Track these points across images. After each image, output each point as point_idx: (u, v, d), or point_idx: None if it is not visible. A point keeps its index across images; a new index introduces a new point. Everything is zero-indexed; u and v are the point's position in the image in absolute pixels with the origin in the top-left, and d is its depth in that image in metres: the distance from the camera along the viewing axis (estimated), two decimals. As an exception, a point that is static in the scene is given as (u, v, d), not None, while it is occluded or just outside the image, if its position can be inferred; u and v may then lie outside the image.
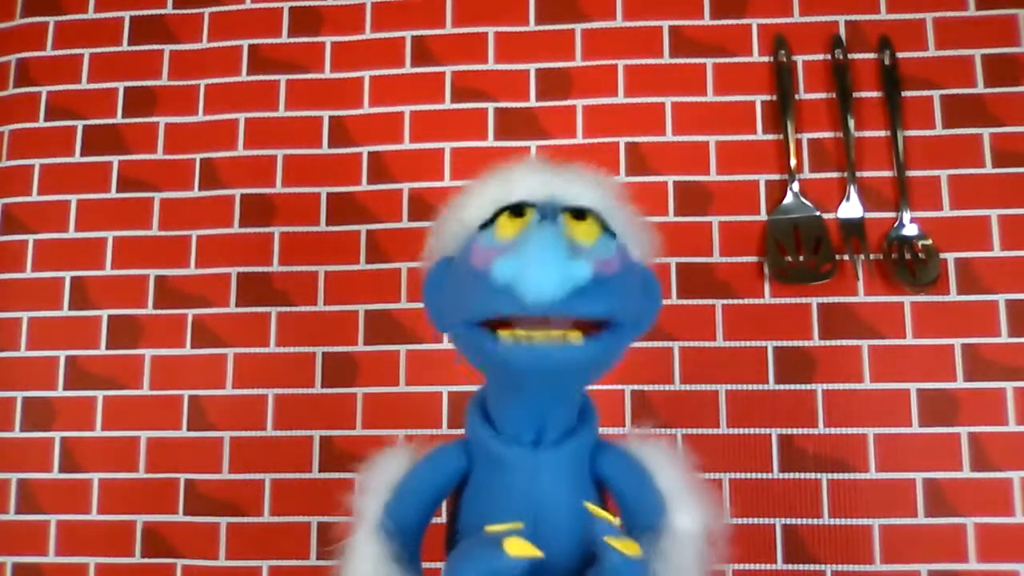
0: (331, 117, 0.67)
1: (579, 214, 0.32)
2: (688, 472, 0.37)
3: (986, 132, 0.62)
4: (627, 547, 0.31)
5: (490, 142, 0.65)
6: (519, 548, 0.31)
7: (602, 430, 0.59)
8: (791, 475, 0.58)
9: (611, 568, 0.31)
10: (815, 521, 0.58)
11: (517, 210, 0.32)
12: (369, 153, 0.66)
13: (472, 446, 0.36)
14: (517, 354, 0.31)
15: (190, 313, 0.64)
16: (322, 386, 0.62)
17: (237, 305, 0.64)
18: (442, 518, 0.38)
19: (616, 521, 0.33)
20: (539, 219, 0.31)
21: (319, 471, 0.61)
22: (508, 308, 0.30)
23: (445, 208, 0.36)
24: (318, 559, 0.60)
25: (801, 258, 0.61)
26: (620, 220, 0.35)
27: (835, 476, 0.58)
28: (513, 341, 0.30)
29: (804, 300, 0.61)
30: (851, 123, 0.62)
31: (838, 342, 0.60)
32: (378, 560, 0.34)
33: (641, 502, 0.36)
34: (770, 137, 0.64)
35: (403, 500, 0.36)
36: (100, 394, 0.64)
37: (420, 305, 0.63)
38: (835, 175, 0.63)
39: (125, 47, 0.69)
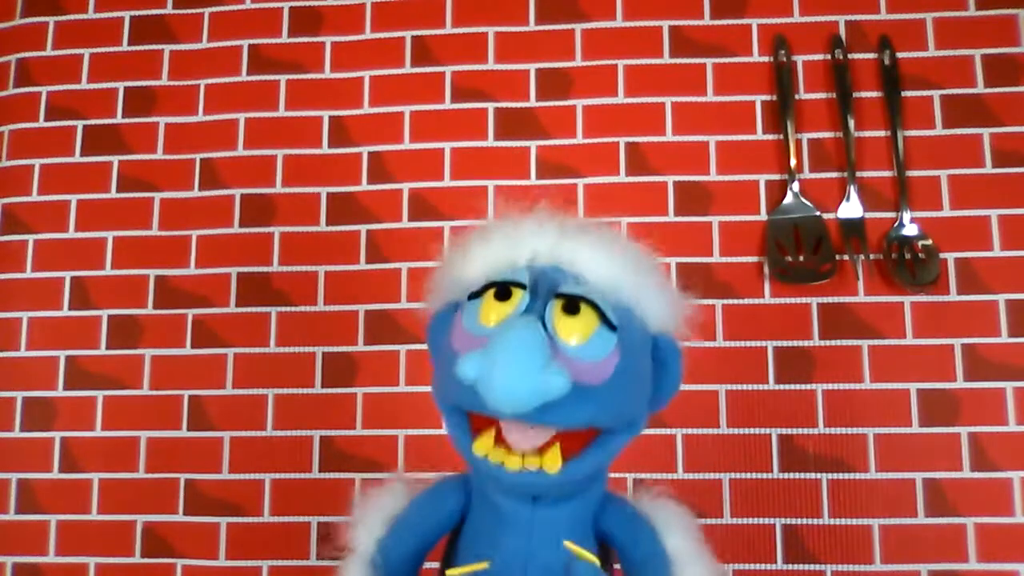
0: (331, 117, 0.67)
1: (572, 304, 0.29)
2: (696, 536, 0.35)
3: (986, 132, 0.62)
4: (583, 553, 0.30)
5: (490, 142, 0.65)
6: None
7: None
8: (791, 475, 0.58)
9: None
10: (815, 521, 0.58)
11: (504, 291, 0.29)
12: (369, 153, 0.66)
13: (473, 485, 0.35)
14: (490, 469, 0.29)
15: (190, 313, 0.64)
16: (322, 386, 0.62)
17: (237, 305, 0.64)
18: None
19: (596, 562, 0.32)
20: (526, 306, 0.29)
21: (319, 471, 0.61)
22: (470, 404, 0.28)
23: (451, 250, 0.34)
24: (318, 559, 0.60)
25: (801, 258, 0.61)
26: (634, 293, 0.31)
27: (835, 476, 0.58)
28: (484, 456, 0.29)
29: (804, 300, 0.61)
30: (851, 123, 0.62)
31: (838, 342, 0.60)
32: None
33: (646, 562, 0.34)
34: (770, 137, 0.64)
35: (398, 536, 0.35)
36: (100, 394, 0.64)
37: (420, 305, 0.63)
38: (835, 175, 0.63)
39: (125, 47, 0.69)
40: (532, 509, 0.32)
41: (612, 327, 0.29)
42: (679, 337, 0.34)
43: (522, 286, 0.29)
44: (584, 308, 0.29)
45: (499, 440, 0.29)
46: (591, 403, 0.28)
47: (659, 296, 0.33)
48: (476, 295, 0.30)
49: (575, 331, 0.28)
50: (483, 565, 0.32)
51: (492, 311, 0.29)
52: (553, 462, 0.29)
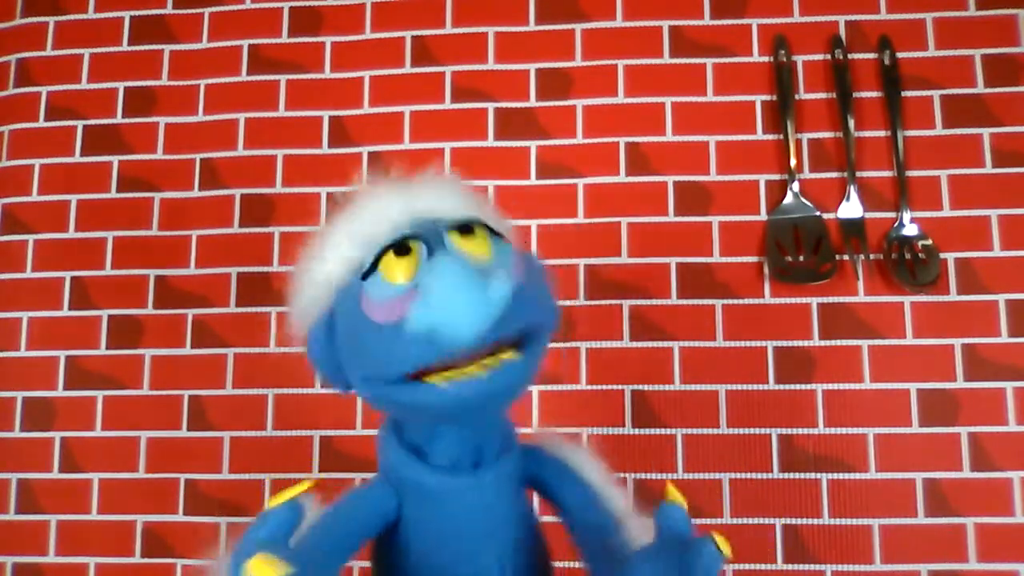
0: (331, 117, 0.67)
1: (465, 229, 0.29)
2: (600, 461, 0.36)
3: (986, 132, 0.62)
4: (723, 544, 0.29)
5: (490, 142, 0.65)
6: (259, 570, 0.28)
7: (602, 430, 0.59)
8: (791, 475, 0.58)
9: (706, 565, 0.29)
10: (815, 521, 0.58)
11: (399, 247, 0.28)
12: (369, 153, 0.66)
13: (399, 483, 0.33)
14: (461, 394, 0.28)
15: (190, 313, 0.64)
16: (322, 386, 0.62)
17: (237, 305, 0.64)
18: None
19: (685, 504, 0.32)
20: (427, 250, 0.28)
21: (319, 471, 0.61)
22: (435, 356, 0.27)
23: (304, 261, 0.33)
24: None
25: (801, 258, 0.61)
26: (496, 218, 0.32)
27: (835, 476, 0.58)
28: (450, 383, 0.28)
29: (804, 300, 0.61)
30: (851, 123, 0.62)
31: (838, 342, 0.60)
32: None
33: (575, 495, 0.35)
34: (770, 137, 0.64)
35: (316, 551, 0.31)
36: (100, 394, 0.64)
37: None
38: (835, 175, 0.63)
39: (125, 47, 0.69)
40: (477, 477, 0.32)
41: (501, 237, 0.30)
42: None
43: (414, 237, 0.29)
44: (476, 229, 0.29)
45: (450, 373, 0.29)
46: (529, 298, 0.29)
47: (504, 221, 0.33)
48: (369, 272, 0.29)
49: (481, 248, 0.29)
50: (306, 484, 0.31)
51: (398, 269, 0.28)
52: (509, 354, 0.28)
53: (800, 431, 0.59)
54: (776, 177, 0.63)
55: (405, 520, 0.33)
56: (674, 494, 0.32)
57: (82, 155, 0.68)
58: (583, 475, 0.35)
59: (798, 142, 0.63)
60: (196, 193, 0.66)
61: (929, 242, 0.60)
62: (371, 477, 0.35)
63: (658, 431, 0.60)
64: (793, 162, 0.62)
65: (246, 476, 0.61)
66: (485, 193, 0.34)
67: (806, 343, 0.60)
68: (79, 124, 0.68)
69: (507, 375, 0.28)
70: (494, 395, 0.29)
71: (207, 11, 0.69)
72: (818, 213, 0.61)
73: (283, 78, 0.68)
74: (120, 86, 0.69)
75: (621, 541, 0.32)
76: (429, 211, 0.31)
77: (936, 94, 0.63)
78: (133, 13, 0.70)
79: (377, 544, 0.35)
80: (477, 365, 0.28)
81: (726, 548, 0.29)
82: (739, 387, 0.60)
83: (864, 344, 0.60)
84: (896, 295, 0.60)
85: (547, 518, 0.37)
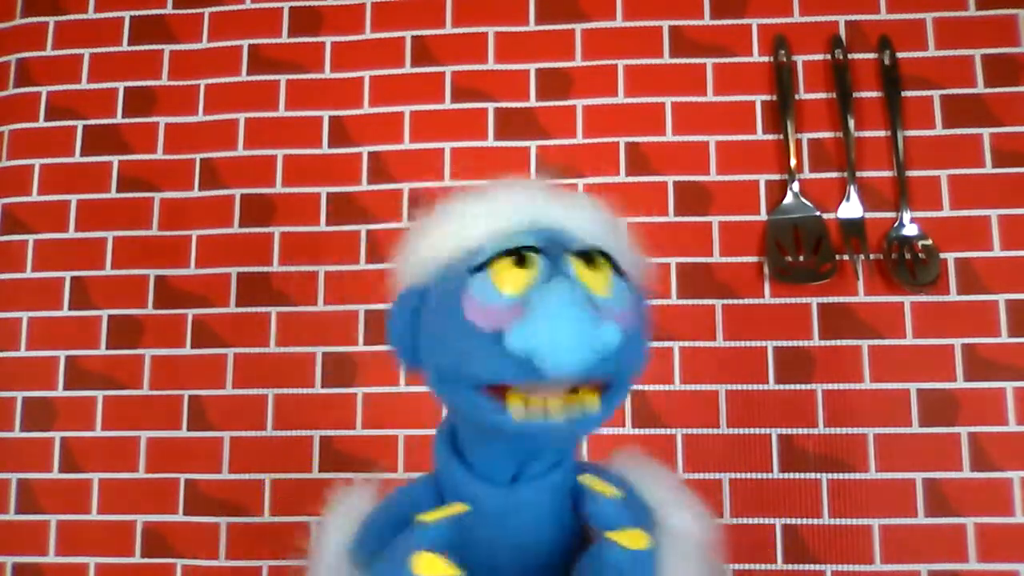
0: (331, 117, 0.67)
1: (588, 258, 0.28)
2: (679, 483, 0.34)
3: (986, 132, 0.62)
4: (633, 539, 0.29)
5: (490, 142, 0.65)
6: (429, 568, 0.28)
7: (602, 430, 0.59)
8: (791, 475, 0.58)
9: (613, 567, 0.28)
10: (815, 521, 0.58)
11: (519, 257, 0.27)
12: (369, 153, 0.66)
13: (442, 483, 0.33)
14: (531, 426, 0.27)
15: (190, 313, 0.64)
16: (322, 386, 0.62)
17: (237, 305, 0.64)
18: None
19: (618, 494, 0.30)
20: (547, 269, 0.27)
21: (319, 471, 0.61)
22: (523, 377, 0.26)
23: (415, 228, 0.32)
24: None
25: (801, 258, 0.61)
26: (623, 251, 0.31)
27: (835, 476, 0.58)
28: (526, 412, 0.27)
29: (804, 300, 0.61)
30: (851, 123, 0.62)
31: (838, 342, 0.60)
32: None
33: (630, 518, 0.32)
34: (770, 137, 0.64)
35: (366, 543, 0.32)
36: (100, 394, 0.64)
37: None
38: (835, 175, 0.63)
39: (125, 47, 0.69)
40: (513, 491, 0.31)
41: (623, 275, 0.29)
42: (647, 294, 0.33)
43: (536, 249, 0.28)
44: (599, 260, 0.28)
45: (530, 399, 0.28)
46: (634, 347, 0.28)
47: (633, 254, 0.32)
48: (480, 268, 0.28)
49: (601, 282, 0.28)
50: (459, 508, 0.31)
51: (512, 279, 0.27)
52: (592, 400, 0.28)
53: (800, 431, 0.59)
54: (776, 177, 0.63)
55: None
56: (595, 483, 0.31)
57: (82, 155, 0.68)
58: (636, 494, 0.33)
59: (798, 142, 0.63)
60: (196, 193, 0.66)
61: (929, 242, 0.60)
62: (421, 475, 0.35)
63: (658, 431, 0.60)
64: (793, 162, 0.62)
65: (246, 476, 0.61)
66: (624, 223, 0.33)
67: (806, 343, 0.60)
68: (79, 124, 0.68)
69: (582, 423, 0.28)
70: (562, 436, 0.28)
71: (207, 11, 0.69)
72: (818, 213, 0.61)
73: (283, 78, 0.68)
74: (120, 86, 0.69)
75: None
76: (562, 223, 0.30)
77: (936, 94, 0.63)
78: (133, 13, 0.70)
79: None
80: (557, 399, 0.27)
81: (637, 543, 0.29)
82: (739, 387, 0.60)
83: (864, 344, 0.60)
84: (896, 295, 0.60)
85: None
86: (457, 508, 0.31)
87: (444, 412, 0.34)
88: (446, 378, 0.30)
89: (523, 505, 0.31)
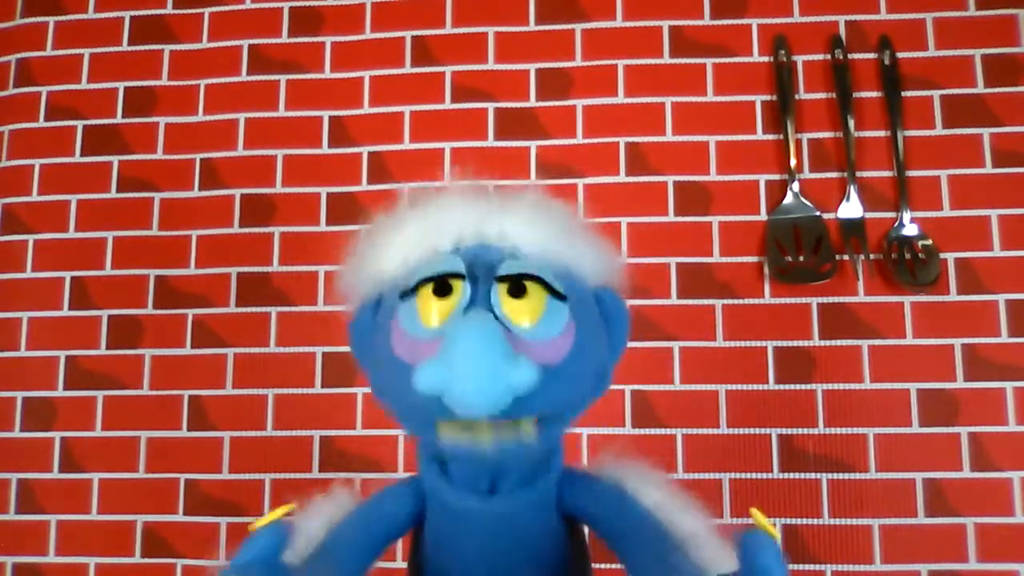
0: (331, 117, 0.67)
1: (517, 285, 0.27)
2: (673, 487, 0.33)
3: (986, 132, 0.62)
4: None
5: (490, 142, 0.65)
6: None
7: (602, 430, 0.59)
8: (791, 475, 0.58)
9: None
10: (815, 521, 0.58)
11: (442, 285, 0.27)
12: (369, 153, 0.66)
13: (424, 486, 0.33)
14: (462, 451, 0.27)
15: (190, 313, 0.64)
16: (322, 386, 0.62)
17: (237, 305, 0.64)
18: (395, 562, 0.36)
19: (777, 535, 0.28)
20: (468, 299, 0.27)
21: (319, 471, 0.61)
22: (438, 415, 0.26)
23: (362, 242, 0.32)
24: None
25: (801, 258, 0.61)
26: (571, 253, 0.30)
27: (835, 476, 0.58)
28: (455, 440, 0.27)
29: (804, 300, 0.61)
30: (851, 123, 0.62)
31: (838, 342, 0.60)
32: None
33: (626, 520, 0.32)
34: (770, 137, 0.64)
35: (338, 550, 0.32)
36: (100, 394, 0.64)
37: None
38: (835, 175, 0.63)
39: (125, 47, 0.69)
40: (489, 503, 0.30)
41: (561, 297, 0.28)
42: (618, 289, 0.32)
43: (460, 276, 0.27)
44: (530, 285, 0.27)
45: (462, 426, 0.27)
46: (560, 383, 0.27)
47: (592, 252, 0.31)
48: (408, 294, 0.27)
49: (526, 313, 0.27)
50: (288, 507, 0.31)
51: (433, 309, 0.27)
52: (528, 429, 0.27)
53: (800, 431, 0.59)
54: (776, 177, 0.63)
55: (428, 525, 0.33)
56: (761, 520, 0.29)
57: (82, 155, 0.68)
58: (636, 502, 0.32)
59: (798, 142, 0.63)
60: (196, 193, 0.66)
61: (929, 242, 0.60)
62: (404, 478, 0.34)
63: (658, 431, 0.60)
64: (793, 162, 0.62)
65: (246, 476, 0.61)
66: (586, 224, 0.32)
67: (806, 343, 0.60)
68: (79, 124, 0.68)
69: (516, 450, 0.27)
70: (496, 463, 0.27)
71: (207, 11, 0.69)
72: (818, 213, 0.61)
73: (283, 78, 0.68)
74: (120, 86, 0.69)
75: (681, 563, 0.29)
76: (504, 235, 0.29)
77: (936, 94, 0.63)
78: (133, 13, 0.70)
79: (412, 541, 0.35)
80: (486, 429, 0.26)
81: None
82: (739, 387, 0.60)
83: (864, 344, 0.60)
84: (896, 295, 0.60)
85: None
86: (283, 510, 0.31)
87: None
88: (385, 399, 0.30)
89: (502, 517, 0.30)
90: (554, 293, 0.27)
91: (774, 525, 0.58)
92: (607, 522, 0.32)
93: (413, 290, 0.27)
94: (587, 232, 0.31)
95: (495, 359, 0.25)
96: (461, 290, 0.27)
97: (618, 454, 0.35)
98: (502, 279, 0.27)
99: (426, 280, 0.27)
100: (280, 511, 0.31)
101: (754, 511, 0.30)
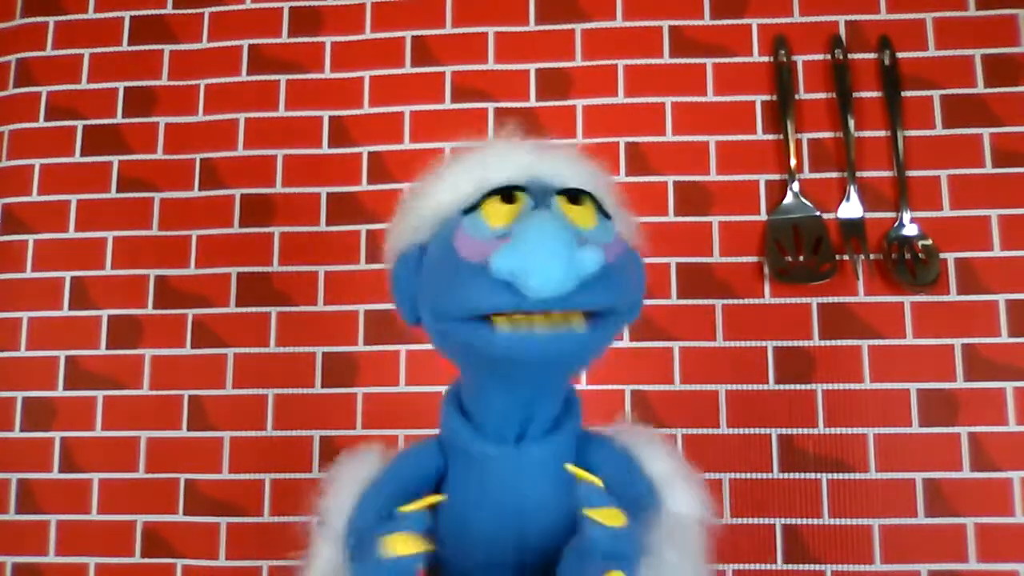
0: (331, 117, 0.67)
1: (574, 197, 0.29)
2: (679, 459, 0.35)
3: (986, 132, 0.62)
4: (609, 517, 0.29)
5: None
6: (403, 546, 0.29)
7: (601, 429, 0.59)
8: (791, 475, 0.58)
9: (593, 543, 0.29)
10: (815, 521, 0.58)
11: (507, 194, 0.29)
12: (369, 153, 0.66)
13: (448, 444, 0.34)
14: (518, 343, 0.28)
15: (190, 313, 0.64)
16: (322, 386, 0.62)
17: (237, 305, 0.64)
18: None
19: (599, 483, 0.31)
20: (532, 205, 0.29)
21: (319, 471, 0.61)
22: (510, 303, 0.27)
23: (412, 190, 0.34)
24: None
25: (801, 258, 0.61)
26: (611, 201, 0.32)
27: (835, 476, 0.58)
28: (512, 330, 0.28)
29: (804, 300, 0.61)
30: (851, 123, 0.62)
31: (838, 342, 0.60)
32: (339, 570, 0.32)
33: (631, 489, 0.33)
34: (770, 137, 0.64)
35: (370, 504, 0.33)
36: (100, 394, 0.64)
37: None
38: (835, 175, 0.63)
39: (125, 47, 0.69)
40: (518, 449, 0.32)
41: (608, 217, 0.30)
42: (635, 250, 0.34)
43: (523, 189, 0.29)
44: (584, 199, 0.29)
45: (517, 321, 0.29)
46: (614, 281, 0.29)
47: (622, 210, 0.34)
48: (471, 209, 0.29)
49: (585, 217, 0.29)
50: (435, 499, 0.32)
51: (500, 214, 0.28)
52: (579, 320, 0.28)
53: (800, 431, 0.59)
54: (776, 177, 0.63)
55: (448, 480, 0.34)
56: (579, 472, 0.32)
57: (82, 155, 0.68)
58: (642, 473, 0.34)
59: (798, 142, 0.63)
60: (196, 193, 0.66)
61: (929, 242, 0.60)
62: (425, 438, 0.35)
63: (658, 431, 0.60)
64: (793, 162, 0.62)
65: (246, 476, 0.61)
66: (615, 181, 0.35)
67: (806, 343, 0.60)
68: (79, 124, 0.68)
69: (568, 340, 0.28)
70: (548, 356, 0.29)
71: (207, 11, 0.69)
72: (818, 213, 0.61)
73: (283, 78, 0.68)
74: (120, 86, 0.69)
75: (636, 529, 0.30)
76: (549, 171, 0.31)
77: (936, 94, 0.63)
78: (133, 13, 0.70)
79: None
80: (546, 321, 0.28)
81: (614, 520, 0.29)
82: (739, 387, 0.60)
83: (864, 344, 0.60)
84: (896, 295, 0.60)
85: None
86: (436, 498, 0.32)
87: (449, 385, 0.35)
88: (440, 316, 0.30)
89: (530, 464, 0.32)
90: (603, 213, 0.30)
91: (773, 525, 0.58)
92: (613, 486, 0.33)
93: (478, 204, 0.29)
94: (618, 192, 0.34)
95: (564, 243, 0.27)
96: (525, 199, 0.29)
97: (631, 422, 0.37)
98: (560, 192, 0.29)
99: (492, 192, 0.29)
100: (430, 500, 0.32)
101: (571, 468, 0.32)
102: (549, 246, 0.27)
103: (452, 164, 0.33)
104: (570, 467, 0.32)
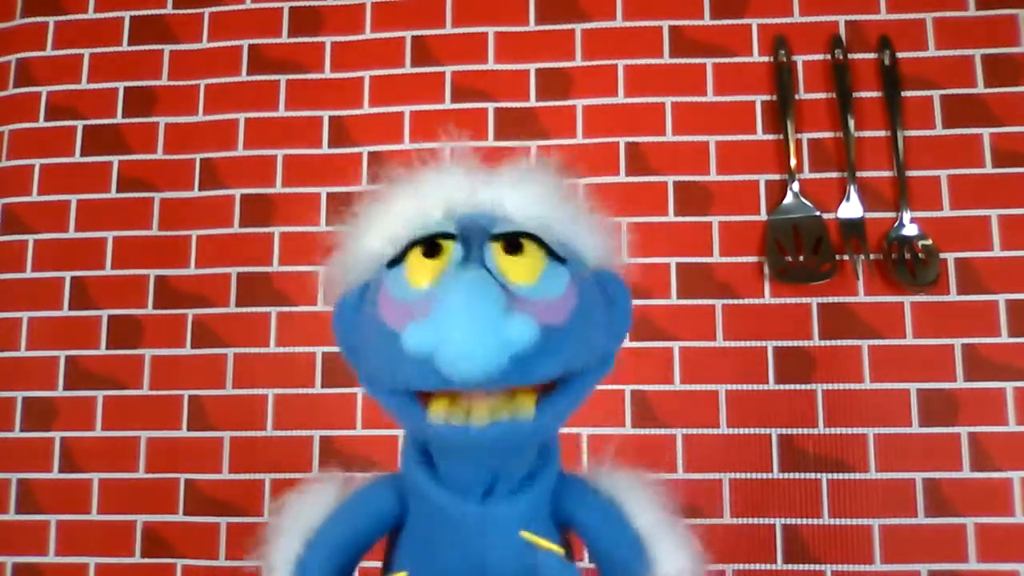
0: (331, 117, 0.67)
1: (513, 243, 0.25)
2: (665, 507, 0.31)
3: (986, 132, 0.62)
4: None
5: (490, 142, 0.65)
6: None
7: (602, 430, 0.59)
8: (791, 475, 0.58)
9: None
10: (815, 521, 0.58)
11: (431, 246, 0.25)
12: (369, 153, 0.66)
13: (408, 486, 0.30)
14: (452, 435, 0.25)
15: (190, 313, 0.64)
16: (322, 386, 0.62)
17: (237, 305, 0.64)
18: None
19: (561, 552, 0.28)
20: (461, 257, 0.25)
21: (319, 471, 0.61)
22: (429, 383, 0.24)
23: (350, 224, 0.29)
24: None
25: (801, 258, 0.61)
26: (569, 227, 0.28)
27: (835, 476, 0.58)
28: (446, 419, 0.24)
29: (804, 300, 0.61)
30: (851, 123, 0.62)
31: (838, 342, 0.60)
32: None
33: (616, 548, 0.30)
34: (770, 137, 0.64)
35: (318, 552, 0.30)
36: (100, 394, 0.64)
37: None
38: (835, 175, 0.63)
39: (125, 47, 0.69)
40: (483, 507, 0.28)
41: (561, 260, 0.26)
42: (620, 270, 0.30)
43: (451, 236, 0.25)
44: (527, 244, 0.25)
45: (455, 402, 0.25)
46: (563, 345, 0.25)
47: (592, 229, 0.29)
48: (396, 261, 0.25)
49: (524, 270, 0.24)
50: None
51: (422, 271, 0.24)
52: (527, 405, 0.25)
53: (800, 431, 0.59)
54: (776, 177, 0.63)
55: (409, 529, 0.31)
56: (538, 541, 0.29)
57: (82, 155, 0.68)
58: (628, 525, 0.30)
59: (798, 142, 0.63)
60: (196, 193, 0.66)
61: (929, 242, 0.60)
62: (383, 475, 0.32)
63: (658, 431, 0.60)
64: (793, 162, 0.62)
65: (246, 476, 0.61)
66: (583, 194, 0.30)
67: (806, 343, 0.60)
68: (79, 124, 0.68)
69: (510, 431, 0.25)
70: (490, 447, 0.25)
71: (207, 11, 0.69)
72: (818, 213, 0.61)
73: (283, 78, 0.68)
74: (120, 86, 0.69)
75: None
76: (492, 204, 0.27)
77: (936, 94, 0.63)
78: (133, 13, 0.70)
79: (388, 543, 0.33)
80: (485, 405, 0.24)
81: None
82: (739, 387, 0.60)
83: (864, 344, 0.60)
84: (896, 295, 0.60)
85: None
86: None
87: None
88: (370, 383, 0.28)
89: (497, 523, 0.28)
90: (553, 255, 0.25)
91: (773, 525, 0.58)
92: (597, 539, 0.31)
93: (401, 256, 0.25)
94: (584, 207, 0.30)
95: (490, 314, 0.22)
96: (452, 250, 0.25)
97: (615, 459, 0.33)
98: (496, 237, 0.25)
99: (414, 244, 0.25)
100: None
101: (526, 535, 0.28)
102: (468, 322, 0.22)
103: (386, 198, 0.29)
104: (527, 535, 0.28)
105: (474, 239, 0.25)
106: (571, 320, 0.25)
